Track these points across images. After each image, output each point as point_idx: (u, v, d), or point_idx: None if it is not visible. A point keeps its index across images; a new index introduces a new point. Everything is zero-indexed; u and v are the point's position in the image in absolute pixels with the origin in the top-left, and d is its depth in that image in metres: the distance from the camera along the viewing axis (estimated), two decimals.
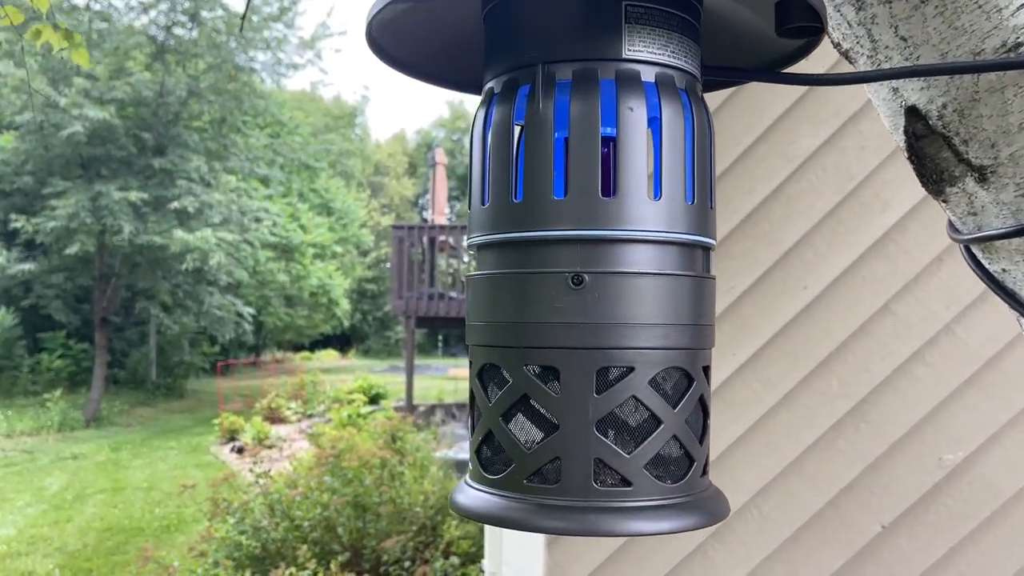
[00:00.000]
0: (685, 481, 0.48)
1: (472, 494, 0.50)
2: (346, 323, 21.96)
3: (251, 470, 4.06)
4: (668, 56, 0.49)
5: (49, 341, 11.67)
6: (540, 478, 0.47)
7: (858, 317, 1.99)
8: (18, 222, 10.11)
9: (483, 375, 0.50)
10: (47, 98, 9.84)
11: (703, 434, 0.50)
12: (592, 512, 0.45)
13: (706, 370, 0.51)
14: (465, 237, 0.58)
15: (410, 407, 9.65)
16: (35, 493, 6.84)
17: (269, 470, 4.62)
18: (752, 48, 0.54)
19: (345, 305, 20.18)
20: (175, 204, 10.36)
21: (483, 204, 0.50)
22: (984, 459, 1.94)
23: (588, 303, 0.46)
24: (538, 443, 0.47)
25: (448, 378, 14.92)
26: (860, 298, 1.99)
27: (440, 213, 13.01)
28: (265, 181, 13.96)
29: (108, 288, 11.17)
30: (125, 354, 12.56)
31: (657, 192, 0.47)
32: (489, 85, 0.51)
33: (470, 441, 0.52)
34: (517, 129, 0.49)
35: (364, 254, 24.84)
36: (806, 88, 1.92)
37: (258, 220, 12.60)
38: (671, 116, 0.47)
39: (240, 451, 8.39)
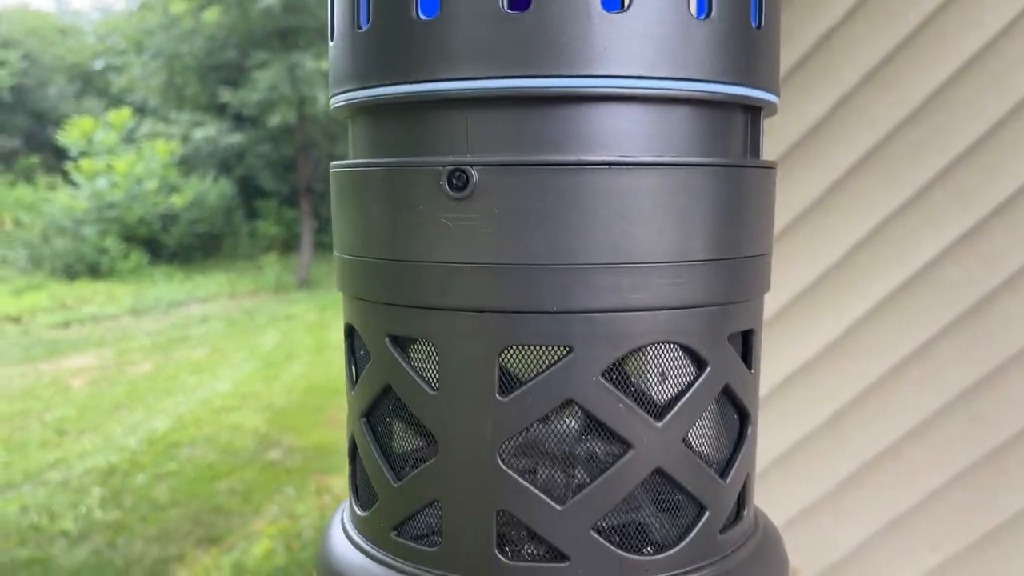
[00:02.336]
0: (683, 547, 0.26)
1: (336, 538, 0.29)
2: None
3: None
4: None
5: (263, 208, 12.50)
6: (412, 533, 0.26)
7: None
8: (225, 95, 10.66)
9: (352, 341, 0.30)
10: None
11: (734, 455, 0.27)
12: None
13: (747, 338, 0.27)
14: None
15: None
16: (251, 351, 7.40)
17: None
18: None
19: None
20: None
21: (330, 39, 0.28)
22: None
23: (480, 223, 0.23)
24: (410, 472, 0.26)
25: None
26: None
27: None
28: None
29: (310, 157, 11.68)
30: (330, 220, 13.27)
31: None
32: None
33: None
34: None
35: None
36: None
37: None
38: None
39: None
